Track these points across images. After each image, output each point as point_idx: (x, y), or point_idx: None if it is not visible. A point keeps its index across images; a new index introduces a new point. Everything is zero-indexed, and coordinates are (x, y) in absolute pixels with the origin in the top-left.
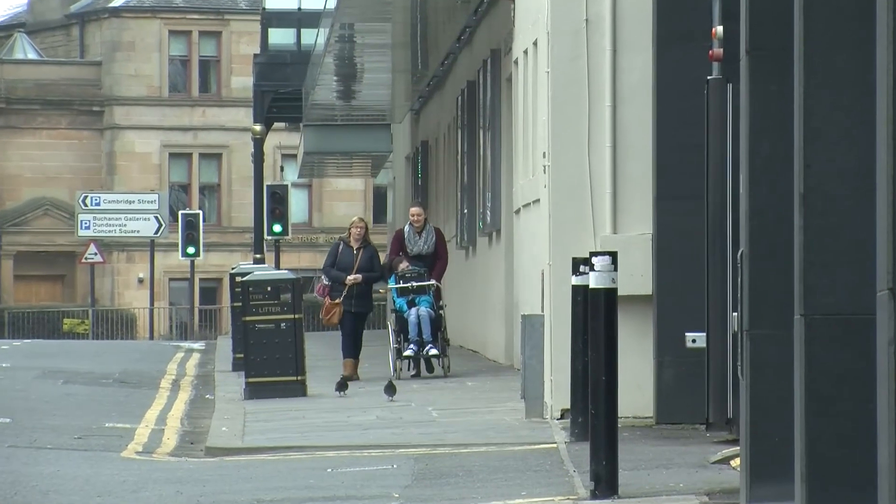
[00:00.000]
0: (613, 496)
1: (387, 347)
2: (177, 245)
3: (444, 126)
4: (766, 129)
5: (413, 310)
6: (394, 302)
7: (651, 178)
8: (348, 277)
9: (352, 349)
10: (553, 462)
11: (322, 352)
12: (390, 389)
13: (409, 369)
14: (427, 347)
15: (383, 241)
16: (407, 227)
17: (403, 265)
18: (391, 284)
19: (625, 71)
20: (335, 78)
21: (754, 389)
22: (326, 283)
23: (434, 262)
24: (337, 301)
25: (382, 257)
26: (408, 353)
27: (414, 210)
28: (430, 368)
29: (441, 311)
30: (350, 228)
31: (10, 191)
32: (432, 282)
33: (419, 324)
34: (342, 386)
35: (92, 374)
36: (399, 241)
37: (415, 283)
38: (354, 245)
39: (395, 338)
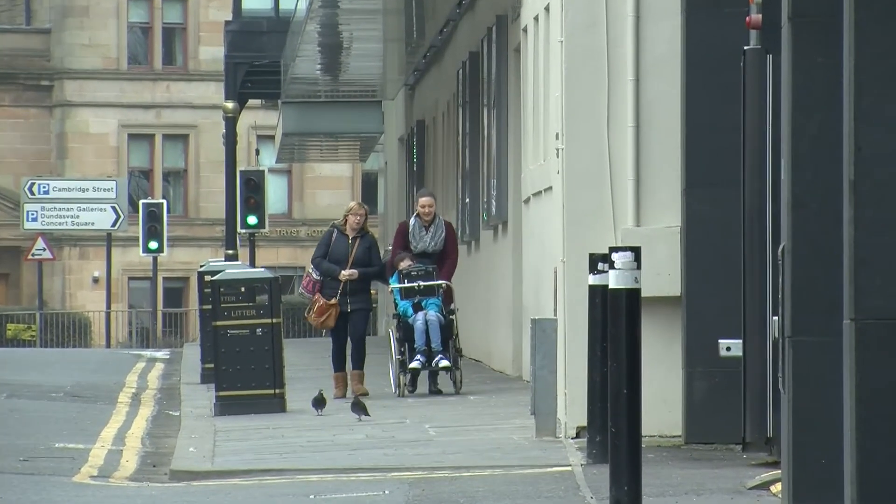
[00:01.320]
0: None
1: (381, 357)
2: (137, 239)
3: (443, 104)
4: (811, 106)
5: (420, 314)
6: (396, 305)
7: (679, 163)
8: (343, 272)
9: (343, 360)
10: (568, 487)
11: (303, 361)
12: (358, 407)
13: (410, 384)
14: (436, 359)
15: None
16: (412, 220)
17: (406, 263)
18: (393, 284)
19: (649, 40)
20: (318, 48)
21: (798, 404)
22: (316, 276)
23: (442, 261)
24: (333, 301)
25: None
26: (414, 364)
27: (424, 200)
28: (434, 385)
29: (452, 316)
30: (347, 215)
31: None
32: (442, 281)
33: (427, 331)
34: (319, 402)
35: (40, 386)
36: (402, 236)
37: (422, 283)
38: (350, 234)
39: (397, 347)
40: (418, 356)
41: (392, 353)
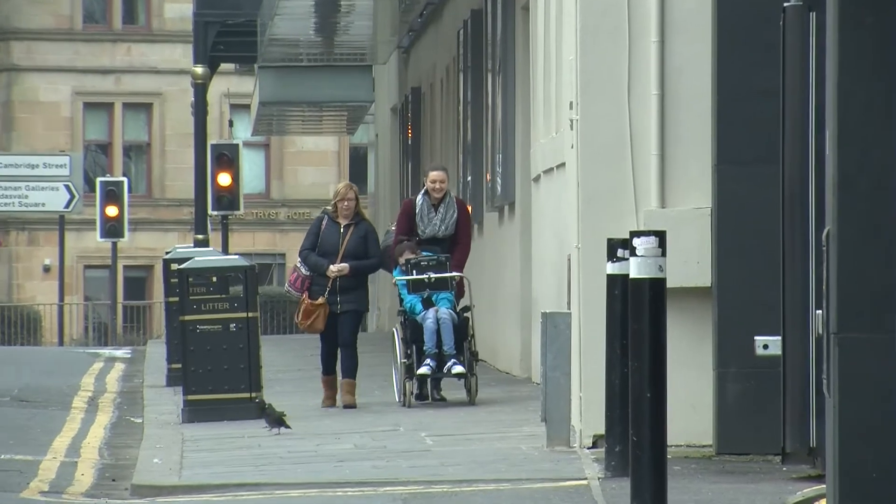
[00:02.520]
0: None
1: (371, 357)
2: (94, 222)
3: (442, 69)
4: (860, 71)
5: (430, 311)
6: (402, 300)
7: (710, 136)
8: (331, 267)
9: (333, 362)
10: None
11: (283, 361)
12: (272, 419)
13: (418, 390)
14: (449, 363)
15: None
16: (420, 198)
17: (409, 254)
18: (398, 276)
19: None
20: (304, 5)
21: (845, 410)
22: (305, 272)
23: (451, 247)
24: (320, 301)
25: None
26: (423, 370)
27: (435, 175)
28: (438, 392)
29: (467, 314)
30: (335, 202)
31: None
32: (456, 273)
33: (438, 331)
34: (266, 411)
35: None
36: (408, 217)
37: (433, 275)
38: (343, 221)
39: (403, 349)
40: (428, 360)
41: (396, 355)
